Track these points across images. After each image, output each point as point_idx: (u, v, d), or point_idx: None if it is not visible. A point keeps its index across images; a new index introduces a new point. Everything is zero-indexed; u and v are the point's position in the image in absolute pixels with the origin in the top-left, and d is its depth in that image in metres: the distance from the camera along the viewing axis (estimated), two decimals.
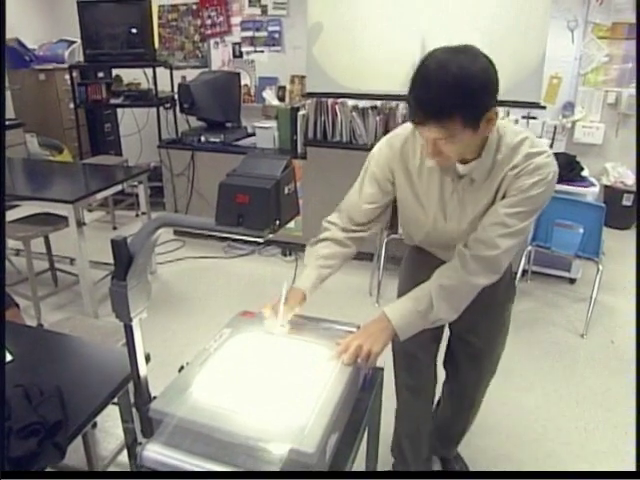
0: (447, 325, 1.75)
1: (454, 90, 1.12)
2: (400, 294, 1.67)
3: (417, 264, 1.69)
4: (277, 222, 1.00)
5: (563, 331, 3.17)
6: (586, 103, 4.84)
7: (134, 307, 1.05)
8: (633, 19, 4.58)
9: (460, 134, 1.19)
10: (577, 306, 3.41)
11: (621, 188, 4.76)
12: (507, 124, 1.37)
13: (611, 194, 4.75)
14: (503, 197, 1.33)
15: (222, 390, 1.16)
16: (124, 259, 1.02)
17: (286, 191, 1.02)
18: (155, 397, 1.15)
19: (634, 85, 4.72)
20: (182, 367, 1.25)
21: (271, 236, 1.01)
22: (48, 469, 1.18)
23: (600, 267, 3.07)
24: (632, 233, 4.77)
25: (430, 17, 3.46)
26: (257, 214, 0.97)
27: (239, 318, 1.44)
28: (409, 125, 1.41)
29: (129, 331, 1.08)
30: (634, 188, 4.75)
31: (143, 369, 1.14)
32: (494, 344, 1.76)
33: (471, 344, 1.73)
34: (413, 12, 3.48)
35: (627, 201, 4.76)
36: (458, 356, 1.82)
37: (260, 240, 1.01)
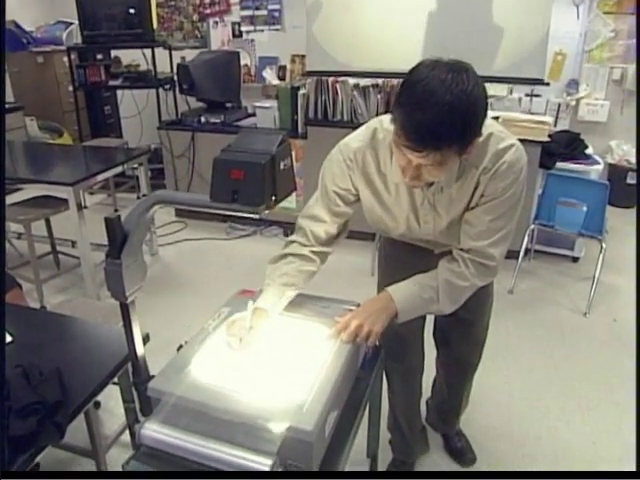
0: None
1: (458, 117, 1.05)
2: (380, 287, 1.68)
3: (394, 258, 1.68)
4: (273, 198, 0.99)
5: (566, 310, 3.16)
6: (591, 80, 4.76)
7: (129, 286, 1.04)
8: None
9: (451, 161, 1.15)
10: (580, 285, 3.39)
11: (625, 166, 4.71)
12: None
13: (615, 172, 4.70)
14: (482, 196, 1.31)
15: (220, 369, 1.16)
16: (118, 237, 1.01)
17: (282, 166, 1.00)
18: (153, 376, 1.14)
19: None
20: (180, 346, 1.24)
21: (267, 212, 1.00)
22: (49, 471, 1.18)
23: (603, 245, 3.05)
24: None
25: None
26: (252, 190, 0.95)
27: (238, 297, 1.43)
28: (363, 135, 1.37)
29: (125, 310, 1.07)
30: None
31: (140, 348, 1.13)
32: (481, 314, 1.76)
33: (459, 317, 1.68)
34: None
35: (631, 179, 4.71)
36: (448, 331, 1.82)
37: (256, 216, 1.00)
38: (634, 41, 4.63)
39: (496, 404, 2.37)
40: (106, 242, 1.01)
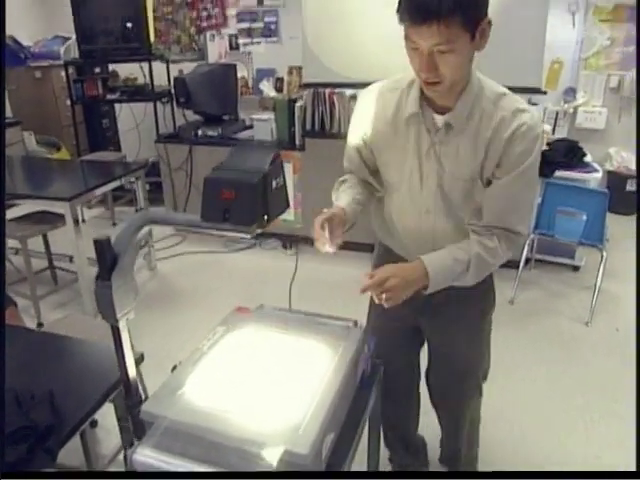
0: (425, 339, 1.69)
1: None
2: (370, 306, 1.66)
3: None
4: (265, 217, 0.97)
5: (567, 320, 3.13)
6: (588, 88, 4.77)
7: (120, 307, 1.02)
8: (633, 1, 4.51)
9: (458, 39, 1.11)
10: (581, 294, 3.37)
11: (625, 173, 4.70)
12: (486, 78, 1.32)
13: (615, 179, 4.69)
14: (498, 166, 1.28)
15: (215, 390, 1.14)
16: (108, 259, 0.99)
17: (274, 185, 0.99)
18: (147, 398, 1.12)
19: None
20: (175, 367, 1.22)
21: (259, 231, 0.99)
22: (49, 472, 1.17)
23: (604, 254, 3.03)
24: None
25: None
26: (243, 209, 0.94)
27: (234, 315, 1.41)
28: (384, 82, 1.40)
29: (116, 332, 1.05)
30: None
31: (132, 370, 1.11)
32: (475, 358, 1.66)
33: (450, 358, 1.65)
34: None
35: (631, 186, 4.70)
36: (438, 372, 1.74)
37: (247, 236, 0.98)
38: (631, 48, 4.64)
39: (498, 415, 2.33)
40: None
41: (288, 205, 1.07)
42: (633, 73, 4.65)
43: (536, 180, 1.33)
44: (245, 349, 1.28)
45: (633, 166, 4.70)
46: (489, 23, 1.16)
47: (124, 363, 1.09)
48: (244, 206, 0.93)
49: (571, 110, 4.73)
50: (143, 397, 1.15)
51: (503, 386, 2.51)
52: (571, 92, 4.78)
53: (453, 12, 1.07)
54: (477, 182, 1.32)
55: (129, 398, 1.12)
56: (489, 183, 1.32)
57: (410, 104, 1.32)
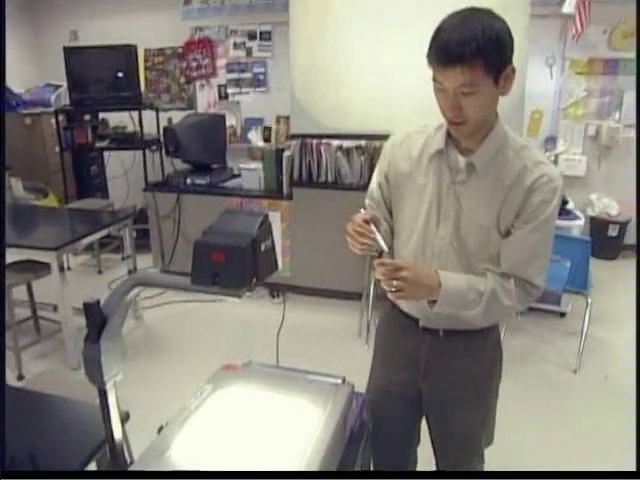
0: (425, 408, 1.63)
1: (480, 34, 1.13)
2: (373, 360, 1.65)
3: (392, 329, 1.61)
4: (253, 280, 0.99)
5: (555, 367, 3.13)
6: (568, 136, 4.92)
7: (108, 370, 1.01)
8: (607, 55, 4.73)
9: (481, 82, 1.17)
10: (568, 340, 3.38)
11: (606, 219, 4.81)
12: (511, 130, 1.36)
13: (597, 225, 4.79)
14: (517, 216, 1.29)
15: (203, 451, 1.12)
16: (97, 321, 0.99)
17: (263, 248, 1.00)
18: (132, 461, 1.10)
19: (613, 118, 4.83)
20: (161, 427, 1.20)
21: (248, 294, 1.00)
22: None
23: (589, 300, 3.06)
24: (619, 263, 4.79)
25: (413, 58, 3.52)
26: (233, 273, 0.95)
27: (221, 373, 1.39)
28: (413, 127, 1.45)
29: (103, 395, 1.03)
30: (619, 219, 4.80)
31: (118, 432, 1.09)
32: (477, 427, 1.61)
33: (449, 431, 1.60)
34: (394, 53, 3.54)
35: (613, 232, 4.79)
36: (438, 439, 1.67)
37: (236, 300, 0.99)
38: (606, 99, 4.84)
39: (487, 468, 2.29)
40: None
41: (277, 267, 1.08)
42: (609, 122, 4.83)
43: (552, 236, 1.34)
44: (233, 408, 1.26)
45: (614, 212, 4.81)
46: (513, 70, 1.21)
47: (110, 425, 1.07)
48: (233, 270, 0.94)
49: (552, 158, 4.86)
50: (129, 460, 1.12)
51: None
52: (552, 141, 4.93)
53: (476, 56, 1.14)
54: (493, 231, 1.32)
55: (115, 461, 1.09)
56: (507, 234, 1.32)
57: (436, 142, 1.36)
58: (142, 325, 3.65)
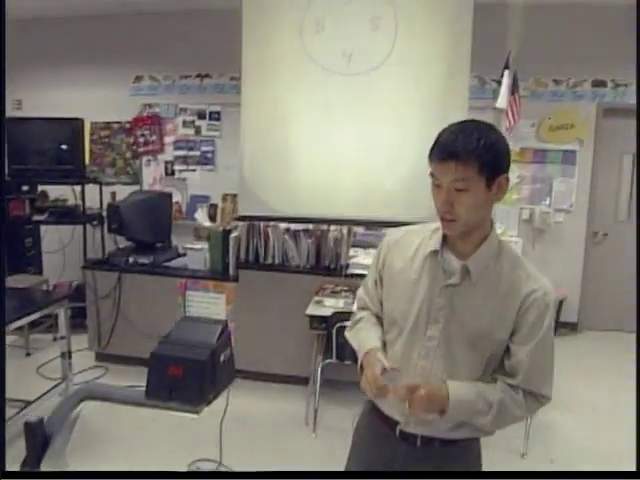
0: None
1: (476, 139, 1.23)
2: (348, 467, 1.60)
3: (368, 437, 1.56)
4: (212, 395, 0.94)
5: (503, 452, 3.10)
6: (504, 220, 5.17)
7: None
8: (536, 145, 5.13)
9: (474, 181, 1.23)
10: (516, 424, 3.37)
11: None
12: (507, 242, 1.41)
13: None
14: (513, 333, 1.32)
15: None
16: (38, 443, 0.89)
17: (222, 358, 0.97)
18: None
19: (544, 203, 5.15)
20: None
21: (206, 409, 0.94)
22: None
23: None
24: (557, 342, 4.87)
25: (359, 146, 3.65)
26: (191, 387, 0.91)
27: None
28: (412, 226, 1.51)
29: None
30: (557, 298, 4.98)
31: None
32: None
33: None
34: (342, 141, 3.66)
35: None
36: None
37: (194, 416, 0.94)
38: (537, 186, 5.17)
39: None
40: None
41: (235, 376, 1.05)
42: (541, 207, 5.15)
43: (554, 342, 1.37)
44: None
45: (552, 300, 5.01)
46: (507, 179, 1.29)
47: None
48: (192, 384, 0.91)
49: None
50: None
51: None
52: None
53: (470, 155, 1.22)
54: (482, 338, 1.34)
55: None
56: (507, 348, 1.35)
57: (432, 243, 1.39)
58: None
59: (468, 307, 1.34)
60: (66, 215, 4.79)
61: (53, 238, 5.20)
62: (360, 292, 1.62)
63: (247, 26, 3.65)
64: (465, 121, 1.32)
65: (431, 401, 1.28)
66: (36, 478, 1.03)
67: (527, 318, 1.31)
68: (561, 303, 4.98)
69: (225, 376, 0.98)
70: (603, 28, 4.82)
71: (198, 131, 5.29)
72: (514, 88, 4.49)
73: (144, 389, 0.94)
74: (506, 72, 4.40)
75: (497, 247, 1.35)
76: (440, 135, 1.30)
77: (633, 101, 4.88)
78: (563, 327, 5.04)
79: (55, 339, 4.08)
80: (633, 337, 5.03)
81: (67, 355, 3.42)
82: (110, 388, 1.06)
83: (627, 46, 4.77)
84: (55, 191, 5.10)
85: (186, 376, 0.90)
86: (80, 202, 4.65)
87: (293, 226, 3.71)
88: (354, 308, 1.66)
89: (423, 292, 1.37)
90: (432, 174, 1.30)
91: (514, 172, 5.15)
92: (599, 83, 4.95)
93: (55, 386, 3.37)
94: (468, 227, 1.31)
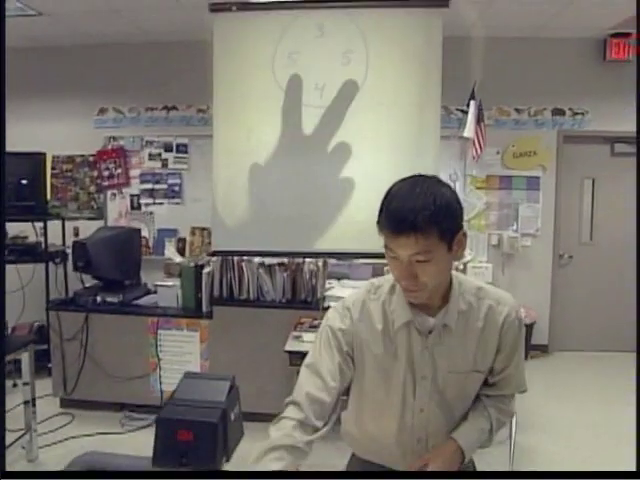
0: None
1: (431, 202, 1.14)
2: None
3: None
4: (225, 457, 0.87)
5: None
6: (474, 245, 5.23)
7: None
8: (502, 172, 5.23)
9: (436, 249, 1.16)
10: (498, 450, 3.33)
11: None
12: (458, 274, 1.38)
13: None
14: (497, 351, 1.36)
15: None
16: None
17: (233, 417, 0.90)
18: None
19: (512, 228, 5.24)
20: None
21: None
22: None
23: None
24: (530, 364, 4.84)
25: (333, 180, 3.64)
26: (203, 451, 0.83)
27: None
28: (363, 291, 1.39)
29: None
30: (525, 321, 5.02)
31: None
32: None
33: None
34: (314, 172, 3.64)
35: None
36: None
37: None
38: (504, 211, 5.27)
39: None
40: None
41: (243, 433, 0.98)
42: (509, 232, 5.24)
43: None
44: None
45: (521, 314, 5.07)
46: (465, 234, 1.23)
47: None
48: (204, 448, 0.83)
49: (461, 267, 5.10)
50: None
51: None
52: None
53: (429, 225, 1.14)
54: (470, 374, 1.36)
55: None
56: (491, 370, 1.39)
57: (400, 313, 1.32)
58: (38, 469, 3.15)
59: (451, 355, 1.34)
60: (27, 253, 4.56)
61: (12, 277, 4.94)
62: (304, 384, 1.27)
63: (218, 58, 3.63)
64: (413, 177, 1.23)
65: (449, 463, 1.32)
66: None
67: (507, 340, 1.35)
68: (532, 326, 5.04)
69: (236, 434, 0.92)
70: (561, 60, 5.03)
71: (165, 164, 5.19)
72: (479, 117, 4.60)
73: (150, 456, 0.86)
74: (472, 102, 4.51)
75: (459, 288, 1.34)
76: (389, 201, 1.19)
77: (591, 128, 5.11)
78: (534, 349, 5.09)
79: (15, 385, 3.85)
80: (603, 356, 5.16)
81: (31, 403, 3.22)
82: (113, 458, 0.97)
83: (583, 77, 5.03)
84: (14, 228, 4.88)
85: (197, 440, 0.83)
86: (42, 239, 4.45)
87: (267, 260, 3.64)
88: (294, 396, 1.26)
89: (403, 361, 1.34)
90: (386, 246, 1.21)
91: (481, 199, 5.25)
92: (558, 112, 5.12)
93: (18, 438, 3.16)
94: (434, 290, 1.28)
